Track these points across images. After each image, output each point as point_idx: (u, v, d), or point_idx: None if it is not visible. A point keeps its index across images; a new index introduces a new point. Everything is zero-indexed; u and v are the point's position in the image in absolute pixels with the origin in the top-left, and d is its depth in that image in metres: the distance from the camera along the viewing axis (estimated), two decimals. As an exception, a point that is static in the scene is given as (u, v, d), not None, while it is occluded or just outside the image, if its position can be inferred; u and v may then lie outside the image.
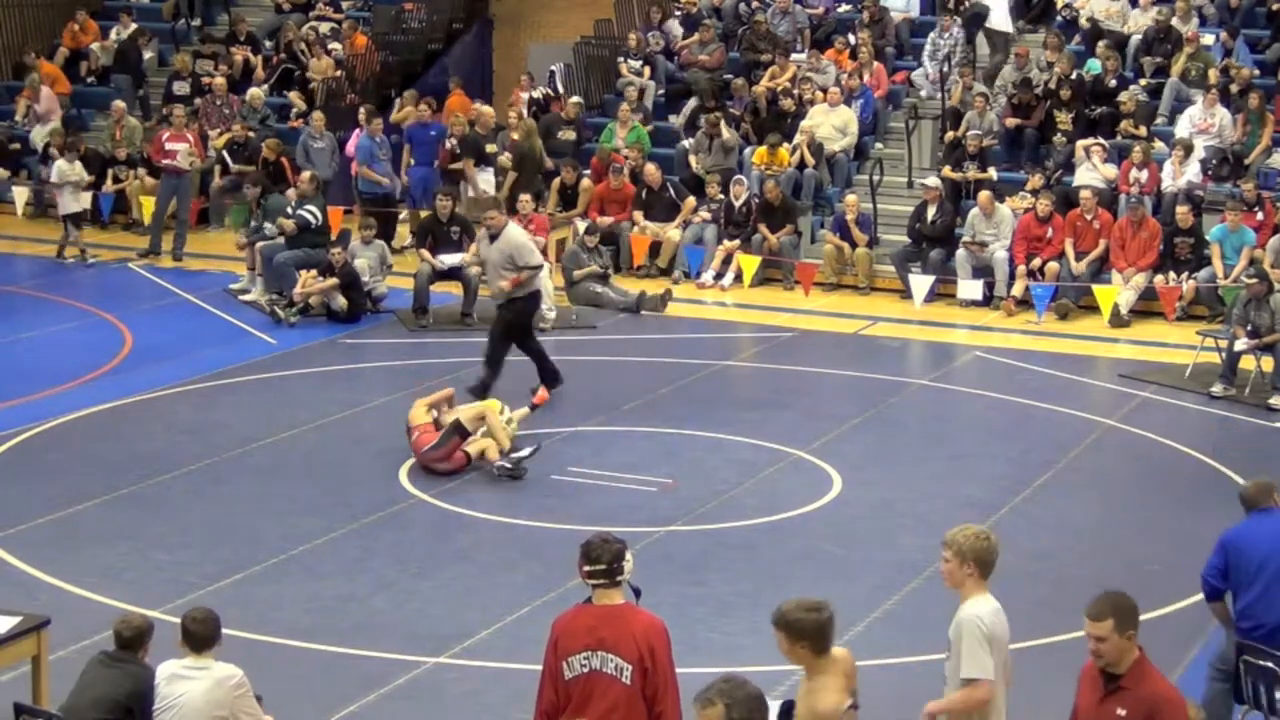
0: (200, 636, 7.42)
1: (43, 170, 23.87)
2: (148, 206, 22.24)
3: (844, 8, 25.36)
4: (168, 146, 21.88)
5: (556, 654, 6.73)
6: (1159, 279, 19.28)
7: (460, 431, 13.20)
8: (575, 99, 23.86)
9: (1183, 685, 9.41)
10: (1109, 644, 6.37)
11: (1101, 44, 22.52)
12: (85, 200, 21.89)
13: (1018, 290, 19.55)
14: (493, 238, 15.03)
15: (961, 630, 6.91)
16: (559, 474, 13.34)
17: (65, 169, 21.62)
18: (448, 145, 22.27)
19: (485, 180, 21.27)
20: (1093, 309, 19.24)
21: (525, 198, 19.68)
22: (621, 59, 24.78)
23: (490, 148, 21.87)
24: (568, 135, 23.06)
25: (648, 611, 6.81)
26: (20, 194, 23.58)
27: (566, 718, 6.70)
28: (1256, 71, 22.11)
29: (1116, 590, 6.54)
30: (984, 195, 20.04)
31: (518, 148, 22.07)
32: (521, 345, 15.28)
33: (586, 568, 6.75)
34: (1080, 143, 21.08)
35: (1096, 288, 19.20)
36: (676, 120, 23.49)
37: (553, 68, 25.18)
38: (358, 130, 22.86)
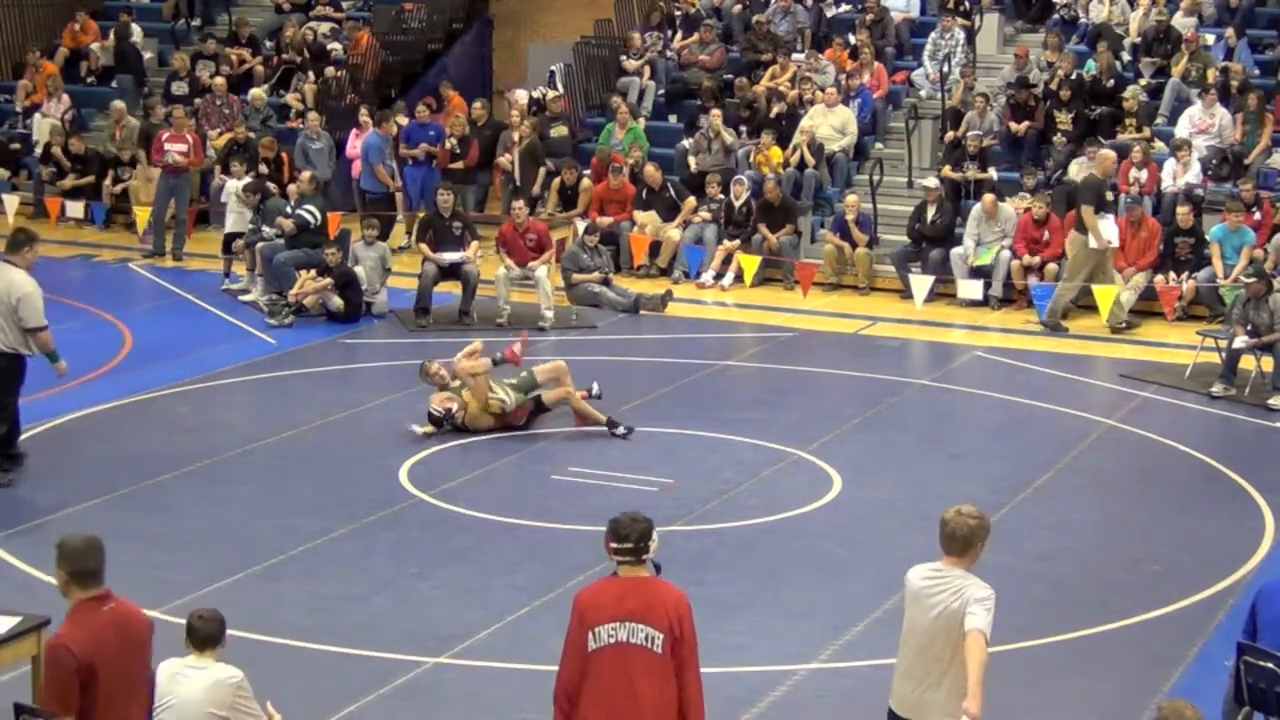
0: (203, 634, 7.40)
1: (43, 170, 23.89)
2: (142, 216, 22.18)
3: (844, 8, 25.37)
4: (167, 147, 21.84)
5: (583, 625, 6.77)
6: (1159, 279, 19.28)
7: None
8: (552, 91, 23.83)
9: (1183, 685, 9.45)
10: None
11: (1101, 44, 22.54)
12: (241, 222, 19.63)
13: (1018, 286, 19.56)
14: None
15: None
16: (559, 474, 13.34)
17: (235, 187, 19.91)
18: (448, 145, 22.28)
19: (1109, 229, 18.62)
20: (1093, 309, 19.24)
21: (519, 204, 19.26)
22: (622, 59, 24.78)
23: (1109, 195, 19.11)
24: (560, 131, 23.04)
25: (672, 585, 6.94)
26: (11, 202, 23.37)
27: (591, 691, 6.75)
28: (1256, 71, 22.11)
29: None
30: (988, 198, 19.99)
31: (534, 148, 22.09)
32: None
33: (614, 544, 6.86)
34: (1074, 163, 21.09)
35: (1096, 288, 19.19)
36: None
37: (553, 68, 25.18)
38: (356, 131, 22.85)
